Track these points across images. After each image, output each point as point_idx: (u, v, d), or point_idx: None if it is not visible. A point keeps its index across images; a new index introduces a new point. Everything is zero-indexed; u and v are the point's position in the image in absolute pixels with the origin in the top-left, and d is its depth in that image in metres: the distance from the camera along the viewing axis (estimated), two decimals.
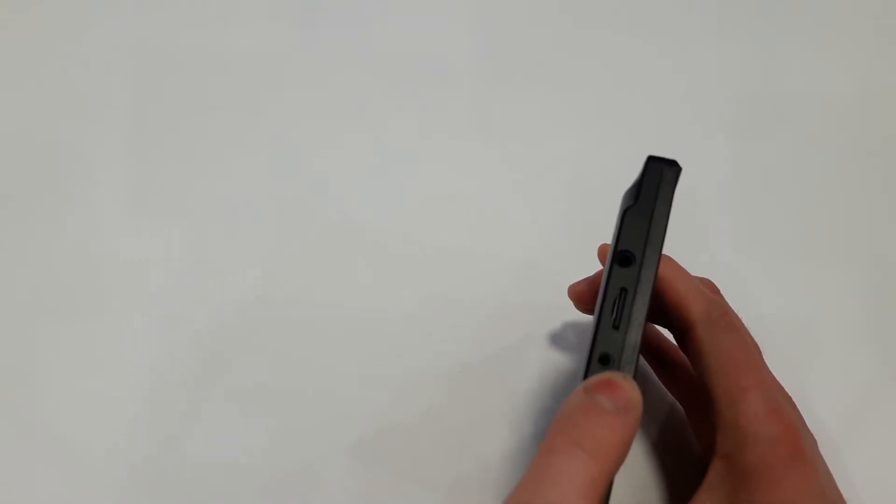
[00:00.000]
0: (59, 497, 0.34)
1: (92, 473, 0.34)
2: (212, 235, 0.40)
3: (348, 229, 0.41)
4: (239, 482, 0.34)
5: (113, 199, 0.41)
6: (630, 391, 0.24)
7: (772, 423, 0.26)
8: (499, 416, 0.35)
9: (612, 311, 0.26)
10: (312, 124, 0.44)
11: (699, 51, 0.47)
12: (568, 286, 0.34)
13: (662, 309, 0.31)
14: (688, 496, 0.28)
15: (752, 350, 0.28)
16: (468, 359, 0.37)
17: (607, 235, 0.30)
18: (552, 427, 0.23)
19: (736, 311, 0.31)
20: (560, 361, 0.37)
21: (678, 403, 0.34)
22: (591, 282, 0.33)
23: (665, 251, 0.27)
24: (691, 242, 0.39)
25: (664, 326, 0.33)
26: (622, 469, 0.24)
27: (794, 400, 0.30)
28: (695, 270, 0.31)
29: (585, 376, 0.26)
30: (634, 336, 0.26)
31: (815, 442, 0.28)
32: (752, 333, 0.31)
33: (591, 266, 0.33)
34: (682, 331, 0.30)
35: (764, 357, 0.30)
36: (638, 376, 0.34)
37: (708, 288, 0.32)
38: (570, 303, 0.34)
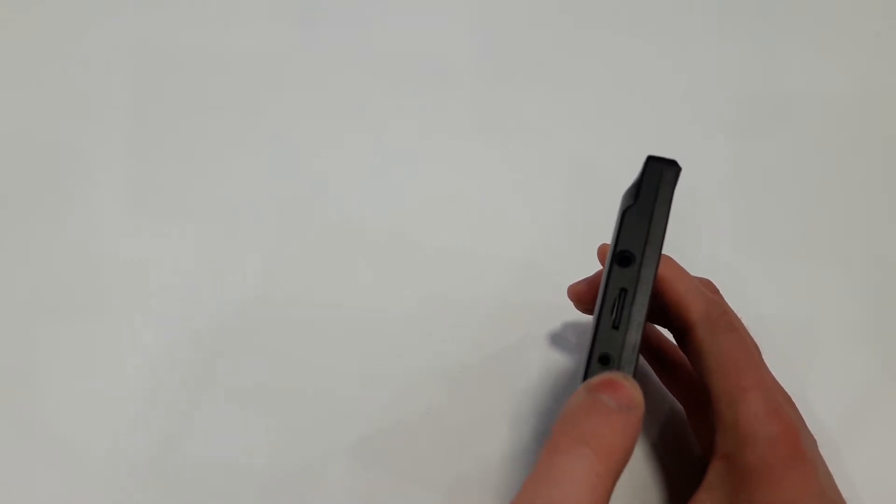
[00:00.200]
0: (59, 497, 0.34)
1: (92, 473, 0.34)
2: (212, 235, 0.40)
3: (348, 229, 0.41)
4: (239, 482, 0.34)
5: (113, 199, 0.41)
6: (632, 389, 0.24)
7: (771, 423, 0.26)
8: (499, 416, 0.35)
9: (612, 311, 0.26)
10: (312, 124, 0.44)
11: (699, 51, 0.47)
12: (568, 286, 0.34)
13: (662, 309, 0.31)
14: (687, 496, 0.28)
15: (751, 350, 0.28)
16: (468, 359, 0.37)
17: (607, 235, 0.30)
18: (556, 426, 0.23)
19: (735, 311, 0.31)
20: (560, 361, 0.37)
21: (678, 403, 0.34)
22: (591, 282, 0.33)
23: (665, 251, 0.27)
24: (691, 242, 0.39)
25: (664, 326, 0.33)
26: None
27: (793, 400, 0.30)
28: (694, 270, 0.31)
29: (585, 376, 0.26)
30: (634, 336, 0.26)
31: (814, 442, 0.28)
32: (752, 333, 0.31)
33: (591, 266, 0.33)
34: (682, 331, 0.30)
35: (764, 357, 0.30)
36: (638, 376, 0.34)
37: (707, 288, 0.32)
38: (570, 303, 0.34)
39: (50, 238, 0.40)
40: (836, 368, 0.37)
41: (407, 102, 0.45)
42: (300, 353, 0.37)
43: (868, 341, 0.38)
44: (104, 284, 0.39)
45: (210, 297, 0.38)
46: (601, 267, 0.33)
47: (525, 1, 0.49)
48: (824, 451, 0.28)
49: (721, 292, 0.33)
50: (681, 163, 0.28)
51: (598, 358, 0.26)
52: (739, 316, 0.31)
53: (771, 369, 0.29)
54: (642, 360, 0.35)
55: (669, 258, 0.31)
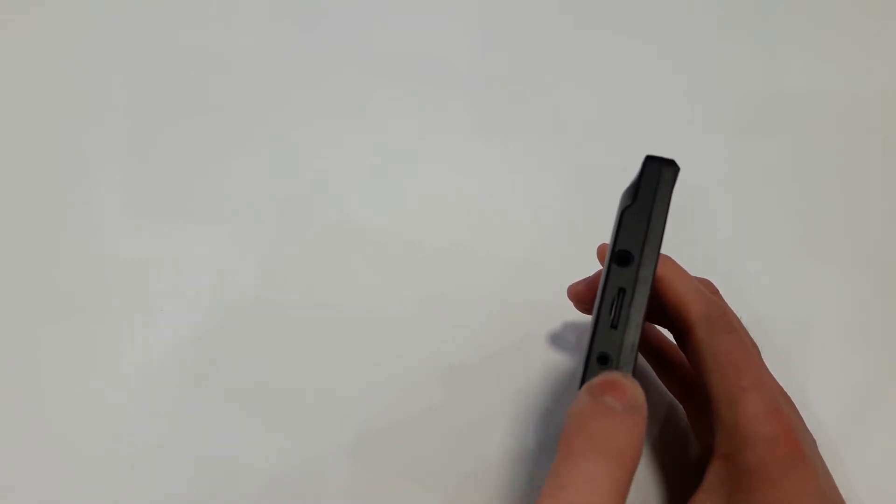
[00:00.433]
0: (58, 496, 0.34)
1: (92, 473, 0.34)
2: (212, 235, 0.40)
3: (348, 229, 0.41)
4: (239, 482, 0.34)
5: (113, 199, 0.41)
6: (634, 389, 0.24)
7: (771, 423, 0.26)
8: (499, 416, 0.35)
9: (611, 310, 0.26)
10: (312, 124, 0.44)
11: (699, 51, 0.47)
12: (567, 286, 0.34)
13: (662, 309, 0.31)
14: (687, 496, 0.28)
15: (751, 351, 0.28)
16: (468, 359, 0.37)
17: (607, 235, 0.30)
18: (566, 431, 0.23)
19: (735, 312, 0.31)
20: (560, 361, 0.37)
21: (678, 403, 0.34)
22: (591, 282, 0.33)
23: (664, 251, 0.27)
24: (691, 242, 0.39)
25: (664, 326, 0.33)
26: None
27: (793, 400, 0.30)
28: (694, 270, 0.31)
29: (583, 376, 0.26)
30: (633, 336, 0.26)
31: (814, 442, 0.28)
32: (752, 333, 0.31)
33: (591, 266, 0.33)
34: (682, 331, 0.30)
35: (763, 357, 0.30)
36: (637, 376, 0.34)
37: (707, 288, 0.32)
38: (570, 303, 0.34)
39: (50, 238, 0.40)
40: (835, 369, 0.37)
41: (407, 102, 0.45)
42: (300, 353, 0.37)
43: (868, 341, 0.38)
44: (104, 284, 0.39)
45: (210, 297, 0.38)
46: (601, 267, 0.33)
47: (525, 1, 0.49)
48: (824, 451, 0.28)
49: (721, 292, 0.33)
50: (680, 163, 0.28)
51: (597, 358, 0.26)
52: (739, 316, 0.31)
53: (770, 369, 0.29)
54: (642, 359, 0.35)
55: (669, 258, 0.31)
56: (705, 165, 0.42)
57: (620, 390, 0.24)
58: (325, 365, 0.37)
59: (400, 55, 0.47)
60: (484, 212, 0.41)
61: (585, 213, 0.41)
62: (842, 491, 0.27)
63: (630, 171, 0.29)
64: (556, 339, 0.37)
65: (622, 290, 0.26)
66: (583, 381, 0.26)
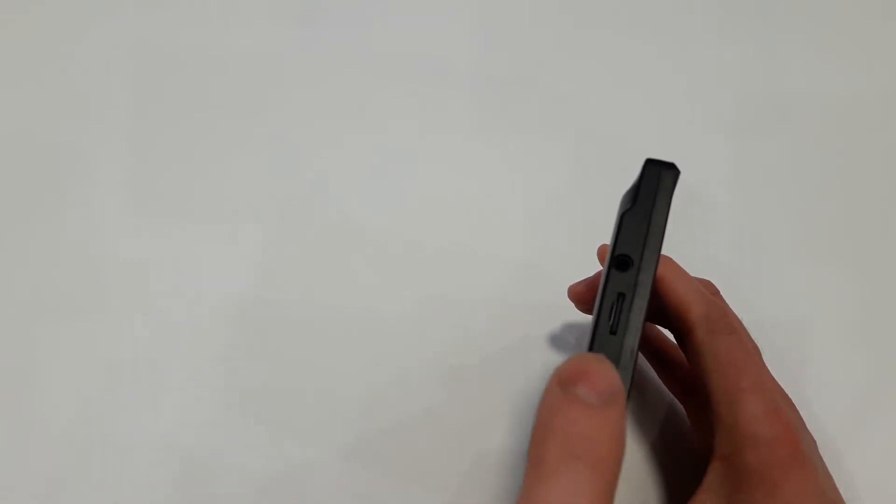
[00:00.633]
0: (58, 496, 0.34)
1: (92, 473, 0.34)
2: (212, 235, 0.40)
3: (348, 229, 0.41)
4: (239, 482, 0.34)
5: (113, 199, 0.41)
6: (607, 374, 0.21)
7: (771, 424, 0.26)
8: (499, 416, 0.35)
9: (610, 315, 0.26)
10: (312, 124, 0.44)
11: (699, 51, 0.47)
12: (567, 286, 0.34)
13: (662, 309, 0.31)
14: (687, 496, 0.28)
15: (751, 352, 0.28)
16: (468, 359, 0.37)
17: (607, 236, 0.30)
18: (537, 437, 0.20)
19: (735, 312, 0.31)
20: (559, 361, 0.37)
21: (678, 403, 0.34)
22: (591, 282, 0.33)
23: (664, 251, 0.27)
24: (691, 242, 0.39)
25: (664, 326, 0.33)
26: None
27: (793, 400, 0.30)
28: (694, 271, 0.31)
29: None
30: (632, 341, 0.25)
31: (814, 443, 0.28)
32: (752, 334, 0.31)
33: (591, 266, 0.33)
34: (682, 332, 0.30)
35: (764, 358, 0.30)
36: (637, 376, 0.34)
37: (708, 289, 0.32)
38: (570, 303, 0.34)
39: (50, 238, 0.40)
40: (835, 369, 0.37)
41: (407, 102, 0.45)
42: (300, 353, 0.37)
43: (868, 342, 0.38)
44: (104, 284, 0.39)
45: (210, 297, 0.38)
46: (601, 267, 0.33)
47: (525, 1, 0.49)
48: (824, 451, 0.28)
49: (721, 293, 0.33)
50: (680, 163, 0.28)
51: None
52: (739, 316, 0.31)
53: (771, 370, 0.29)
54: (642, 359, 0.35)
55: (669, 259, 0.31)
56: (705, 165, 0.42)
57: (593, 378, 0.21)
58: (325, 365, 0.37)
59: (400, 55, 0.47)
60: (484, 212, 0.41)
61: (585, 214, 0.41)
62: (842, 491, 0.27)
63: (630, 172, 0.29)
64: (556, 340, 0.37)
65: (621, 295, 0.26)
66: None
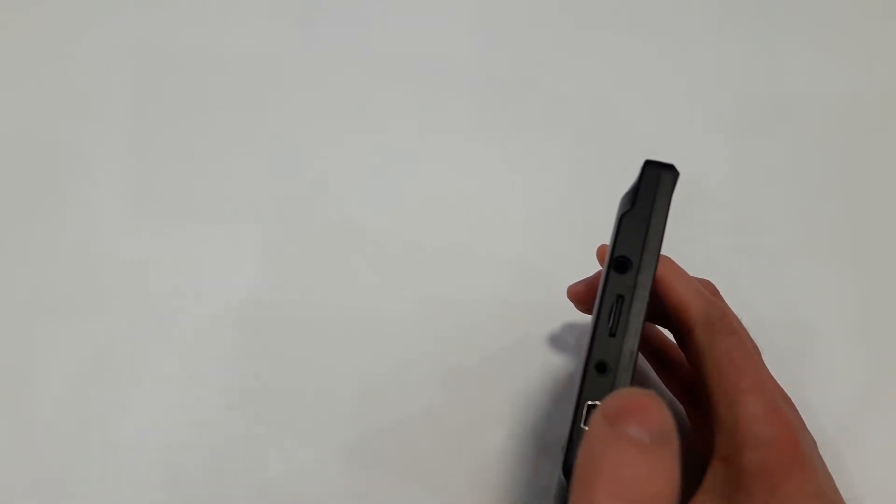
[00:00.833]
0: (58, 496, 0.34)
1: (92, 473, 0.34)
2: (212, 235, 0.40)
3: (348, 229, 0.41)
4: (239, 482, 0.34)
5: (113, 199, 0.41)
6: (661, 411, 0.19)
7: (771, 424, 0.26)
8: (498, 416, 0.35)
9: (609, 317, 0.26)
10: (312, 124, 0.44)
11: (699, 51, 0.47)
12: (567, 287, 0.34)
13: (662, 310, 0.31)
14: (687, 497, 0.27)
15: (751, 352, 0.28)
16: (468, 359, 0.37)
17: (607, 236, 0.30)
18: (582, 475, 0.19)
19: (735, 312, 0.31)
20: (559, 362, 0.37)
21: (678, 403, 0.34)
22: (590, 282, 0.33)
23: (664, 251, 0.27)
24: (690, 242, 0.39)
25: (664, 327, 0.33)
26: None
27: (793, 401, 0.30)
28: (694, 271, 0.31)
29: (582, 384, 0.25)
30: (631, 343, 0.25)
31: (814, 443, 0.28)
32: (752, 334, 0.31)
33: (591, 266, 0.33)
34: (682, 332, 0.30)
35: (764, 358, 0.30)
36: (637, 376, 0.34)
37: (707, 289, 0.32)
38: (570, 303, 0.34)
39: (50, 238, 0.40)
40: (835, 369, 0.37)
41: (407, 102, 0.45)
42: (300, 352, 0.37)
43: (868, 342, 0.38)
44: (104, 284, 0.39)
45: (210, 297, 0.38)
46: (600, 267, 0.33)
47: (525, 1, 0.49)
48: (824, 451, 0.28)
49: (721, 293, 0.33)
50: (681, 163, 0.28)
51: (595, 366, 0.25)
52: (739, 316, 0.31)
53: (771, 370, 0.29)
54: (642, 359, 0.35)
55: (669, 259, 0.31)
56: (705, 166, 0.42)
57: (645, 415, 0.19)
58: (325, 365, 0.37)
59: (400, 55, 0.47)
60: (484, 212, 0.41)
61: (585, 213, 0.41)
62: (842, 491, 0.27)
63: (630, 172, 0.29)
64: (556, 340, 0.37)
65: (621, 297, 0.26)
66: (581, 390, 0.26)
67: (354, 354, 0.37)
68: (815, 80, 0.46)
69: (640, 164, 0.28)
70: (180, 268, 0.39)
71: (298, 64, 0.46)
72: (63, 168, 0.42)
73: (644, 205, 0.27)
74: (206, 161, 0.43)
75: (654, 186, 0.27)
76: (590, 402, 0.25)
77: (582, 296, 0.33)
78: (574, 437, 0.25)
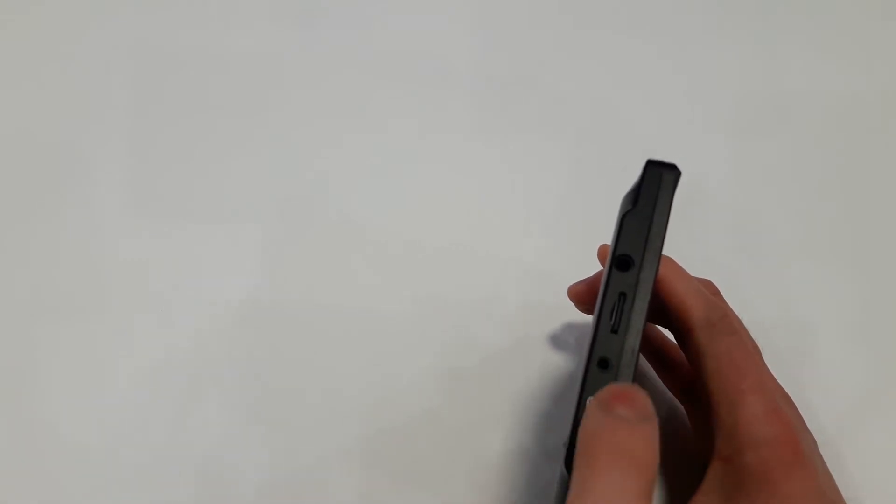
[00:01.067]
0: (58, 497, 0.34)
1: (92, 474, 0.34)
2: (212, 235, 0.40)
3: (348, 229, 0.41)
4: (239, 482, 0.34)
5: (113, 199, 0.41)
6: (643, 398, 0.23)
7: (771, 424, 0.26)
8: (498, 417, 0.35)
9: (611, 315, 0.26)
10: (312, 124, 0.44)
11: (699, 51, 0.47)
12: (567, 286, 0.34)
13: (663, 310, 0.31)
14: (687, 498, 0.28)
15: (751, 353, 0.28)
16: (468, 359, 0.37)
17: (607, 235, 0.30)
18: (584, 448, 0.23)
19: (736, 312, 0.31)
20: (559, 362, 0.37)
21: (678, 403, 0.34)
22: (591, 282, 0.33)
23: (664, 251, 0.27)
24: (691, 242, 0.39)
25: (664, 327, 0.33)
26: None
27: (794, 400, 0.30)
28: (694, 271, 0.31)
29: (584, 381, 0.26)
30: (633, 340, 0.26)
31: (814, 443, 0.28)
32: (752, 334, 0.31)
33: (591, 266, 0.33)
34: (682, 332, 0.30)
35: (764, 358, 0.30)
36: (638, 377, 0.34)
37: (708, 289, 0.32)
38: (570, 303, 0.34)
39: (50, 238, 0.40)
40: (835, 369, 0.37)
41: (407, 102, 0.45)
42: (300, 353, 0.37)
43: (868, 342, 0.38)
44: (104, 284, 0.39)
45: (210, 297, 0.38)
46: (601, 267, 0.33)
47: (525, 1, 0.49)
48: (824, 451, 0.28)
49: (721, 293, 0.33)
50: (681, 163, 0.28)
51: (597, 362, 0.26)
52: (739, 316, 0.31)
53: (772, 370, 0.29)
54: (643, 359, 0.35)
55: (669, 259, 0.31)
56: (705, 165, 0.42)
57: (631, 400, 0.23)
58: (324, 365, 0.37)
59: (400, 55, 0.47)
60: (484, 212, 0.41)
61: (585, 214, 0.41)
62: (842, 491, 0.27)
63: (630, 172, 0.29)
64: (556, 340, 0.37)
65: (623, 295, 0.26)
66: (583, 386, 0.26)
67: (354, 354, 0.37)
68: (815, 80, 0.46)
69: (641, 163, 0.28)
70: (180, 268, 0.39)
71: (298, 64, 0.46)
72: (63, 168, 0.42)
73: (646, 204, 0.27)
74: (206, 161, 0.43)
75: (656, 186, 0.27)
76: (591, 398, 0.25)
77: (582, 296, 0.33)
78: (577, 433, 0.25)
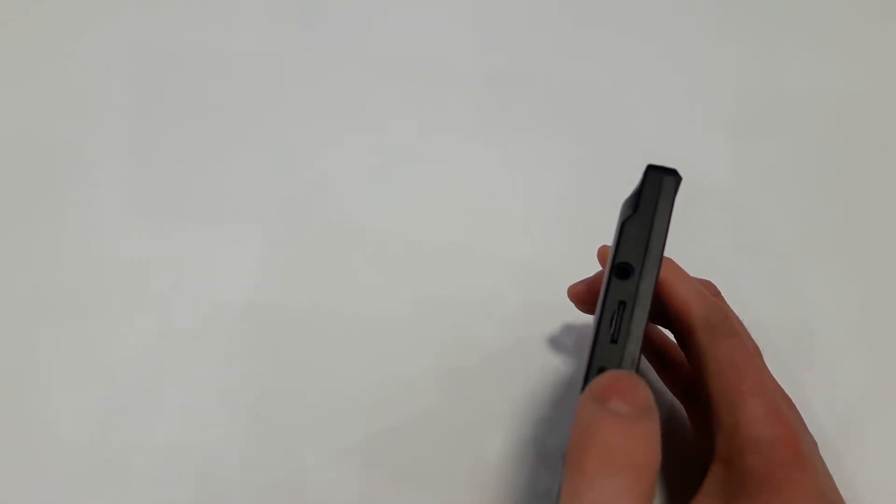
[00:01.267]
0: (58, 497, 0.34)
1: (92, 474, 0.34)
2: (212, 235, 0.40)
3: (348, 229, 0.41)
4: (238, 482, 0.34)
5: (113, 199, 0.41)
6: (641, 388, 0.22)
7: (771, 426, 0.26)
8: (498, 417, 0.35)
9: (611, 324, 0.26)
10: (312, 124, 0.44)
11: (699, 51, 0.47)
12: (567, 287, 0.34)
13: (663, 311, 0.31)
14: (687, 499, 0.27)
15: (752, 354, 0.28)
16: (467, 359, 0.37)
17: (607, 236, 0.30)
18: (574, 448, 0.21)
19: (736, 313, 0.31)
20: (559, 363, 0.37)
21: (679, 403, 0.34)
22: (591, 283, 0.33)
23: (665, 252, 0.27)
24: (691, 243, 0.39)
25: (665, 327, 0.33)
26: None
27: (794, 402, 0.30)
28: (694, 271, 0.31)
29: (583, 389, 0.25)
30: (633, 350, 0.25)
31: (815, 444, 0.28)
32: (752, 335, 0.31)
33: (591, 267, 0.33)
34: (683, 333, 0.30)
35: (764, 359, 0.30)
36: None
37: (709, 290, 0.32)
38: (570, 303, 0.34)
39: (50, 238, 0.40)
40: (836, 369, 0.37)
41: (407, 102, 0.45)
42: (300, 353, 0.37)
43: (868, 342, 0.38)
44: (104, 284, 0.39)
45: (210, 297, 0.38)
46: (601, 268, 0.33)
47: (525, 1, 0.49)
48: (825, 453, 0.28)
49: (722, 294, 0.33)
50: (681, 163, 0.27)
51: (597, 372, 0.25)
52: (739, 317, 0.31)
53: (772, 370, 0.29)
54: (643, 359, 0.35)
55: (670, 260, 0.31)
56: (705, 166, 0.42)
57: (628, 392, 0.21)
58: (324, 365, 0.37)
59: (400, 55, 0.47)
60: (484, 212, 0.41)
61: (585, 214, 0.41)
62: (842, 491, 0.27)
63: (630, 172, 0.29)
64: (556, 341, 0.37)
65: (622, 304, 0.26)
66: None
67: (354, 354, 0.37)
68: (815, 80, 0.46)
69: (641, 163, 0.28)
70: (180, 268, 0.39)
71: (298, 64, 0.46)
72: (63, 168, 0.42)
73: (646, 210, 0.26)
74: (206, 161, 0.43)
75: (656, 191, 0.27)
76: (586, 388, 0.25)
77: (582, 296, 0.33)
78: None
